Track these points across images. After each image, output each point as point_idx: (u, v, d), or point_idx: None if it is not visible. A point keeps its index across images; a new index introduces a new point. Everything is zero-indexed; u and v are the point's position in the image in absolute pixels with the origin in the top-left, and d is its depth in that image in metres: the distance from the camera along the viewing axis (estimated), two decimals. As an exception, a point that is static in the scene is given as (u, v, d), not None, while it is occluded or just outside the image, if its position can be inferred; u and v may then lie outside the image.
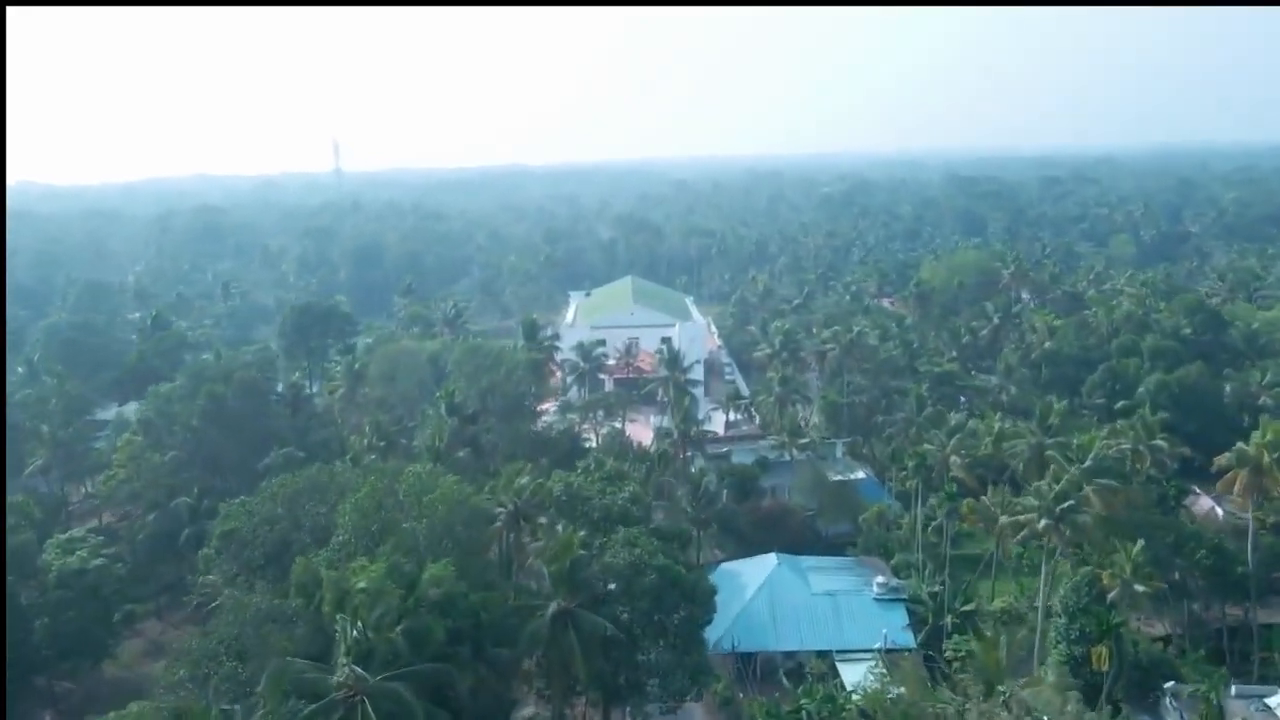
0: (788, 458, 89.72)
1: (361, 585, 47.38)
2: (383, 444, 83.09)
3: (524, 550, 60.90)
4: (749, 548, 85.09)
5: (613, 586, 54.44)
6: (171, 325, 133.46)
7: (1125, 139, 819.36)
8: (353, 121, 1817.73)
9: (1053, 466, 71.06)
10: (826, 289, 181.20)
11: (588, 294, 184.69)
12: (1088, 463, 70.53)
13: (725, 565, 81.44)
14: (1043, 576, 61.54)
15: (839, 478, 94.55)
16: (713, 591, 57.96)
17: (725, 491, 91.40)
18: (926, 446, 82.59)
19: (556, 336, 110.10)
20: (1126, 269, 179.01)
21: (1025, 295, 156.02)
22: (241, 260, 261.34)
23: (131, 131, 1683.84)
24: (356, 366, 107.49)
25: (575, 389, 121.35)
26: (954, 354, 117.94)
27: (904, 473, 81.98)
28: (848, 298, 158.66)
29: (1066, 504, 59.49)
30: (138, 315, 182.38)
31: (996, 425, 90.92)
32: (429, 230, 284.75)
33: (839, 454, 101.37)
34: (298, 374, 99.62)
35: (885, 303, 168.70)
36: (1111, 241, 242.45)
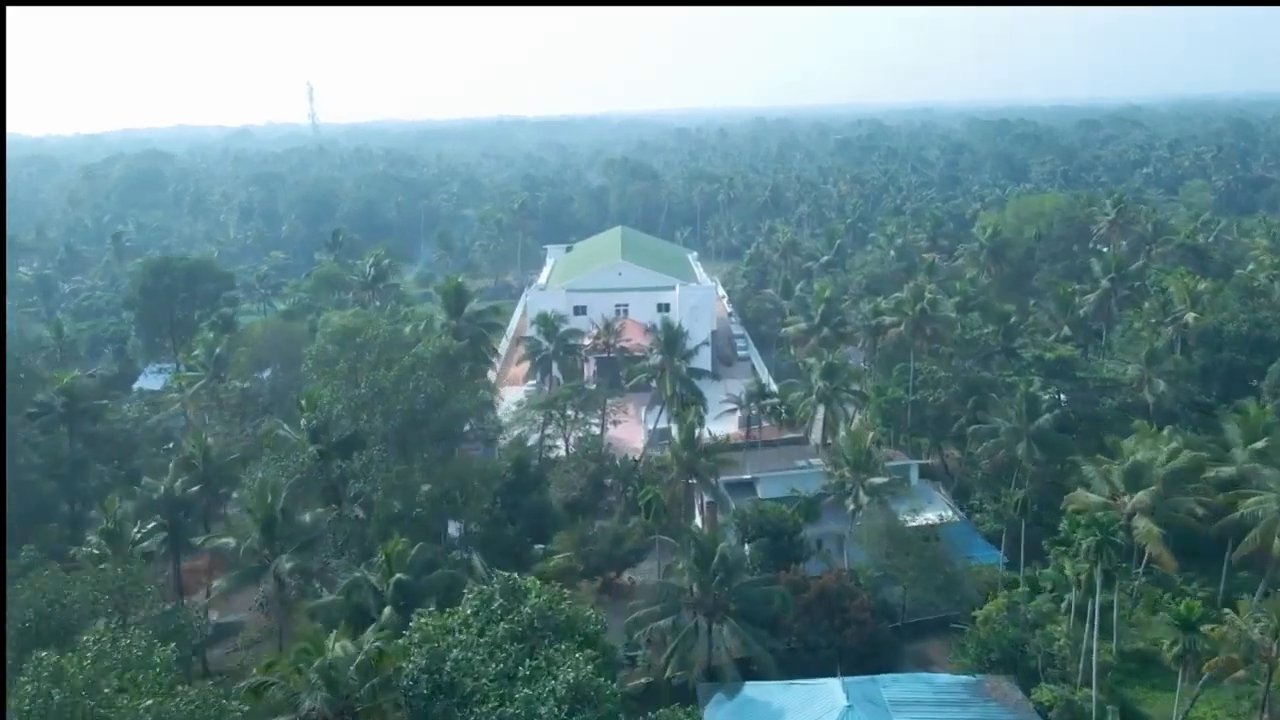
0: (852, 506, 57.20)
1: None
2: (195, 490, 50.85)
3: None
4: (789, 645, 53.68)
5: None
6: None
7: (1133, 91, 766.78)
8: (340, 72, 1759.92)
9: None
10: (861, 242, 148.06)
11: (568, 249, 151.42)
12: None
13: (753, 690, 49.63)
14: None
15: (920, 521, 62.29)
16: None
17: (748, 547, 59.71)
18: (1091, 497, 50.26)
19: (493, 311, 76.81)
20: (1216, 219, 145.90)
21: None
22: (176, 210, 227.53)
23: (113, 83, 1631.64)
24: (218, 352, 75.06)
25: (538, 378, 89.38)
26: (1066, 332, 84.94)
27: (1065, 550, 49.54)
28: (892, 253, 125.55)
29: None
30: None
31: (1165, 448, 58.70)
32: (398, 178, 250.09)
33: (913, 479, 69.13)
34: (88, 369, 67.58)
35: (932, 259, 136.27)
36: (1182, 189, 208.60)
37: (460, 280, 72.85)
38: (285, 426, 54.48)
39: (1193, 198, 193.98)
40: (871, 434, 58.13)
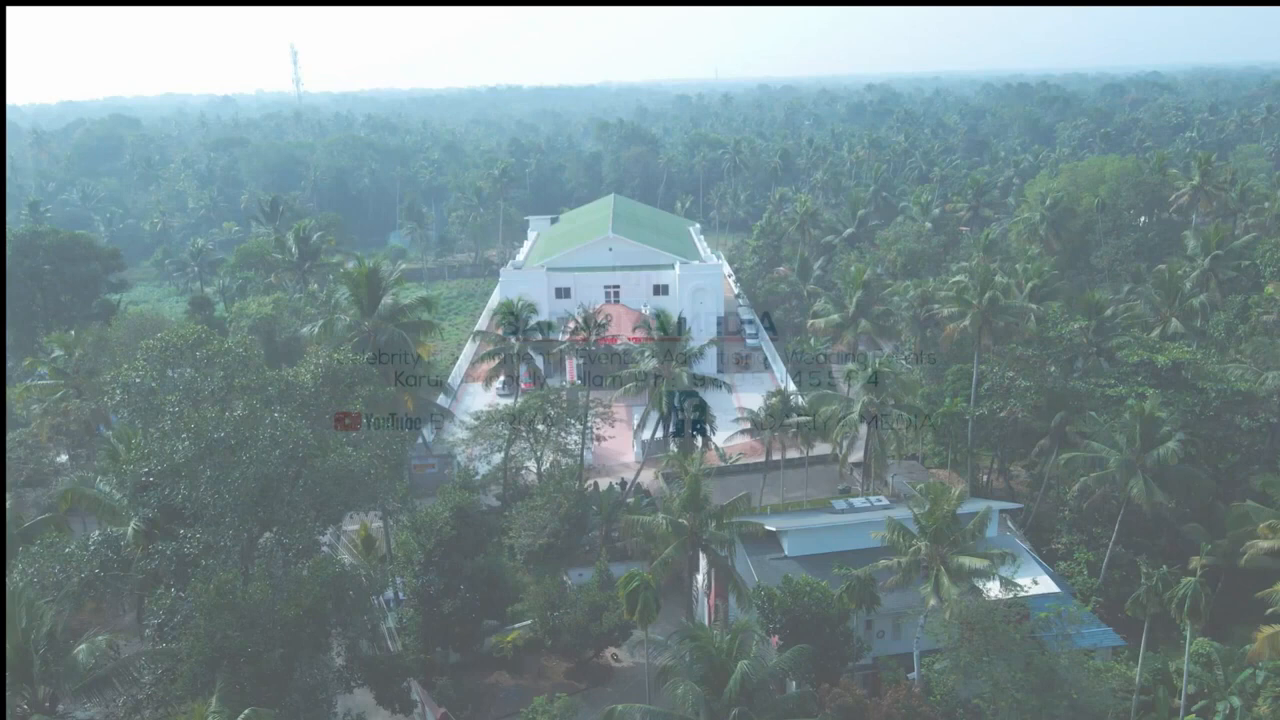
0: (934, 601, 39.42)
1: None
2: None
3: None
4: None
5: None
6: None
7: (1141, 61, 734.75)
8: (336, 43, 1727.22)
9: None
10: (886, 212, 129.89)
11: (553, 220, 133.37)
12: None
13: None
14: None
15: (1010, 593, 44.59)
16: None
17: (775, 638, 42.39)
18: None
19: (422, 305, 58.64)
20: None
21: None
22: (132, 179, 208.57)
23: (105, 52, 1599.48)
24: (78, 354, 57.52)
25: (500, 381, 71.87)
26: (1176, 326, 67.07)
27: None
28: (928, 225, 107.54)
29: None
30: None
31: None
32: (375, 144, 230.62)
33: (993, 529, 51.47)
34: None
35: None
36: (1233, 153, 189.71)
37: (373, 265, 54.91)
38: (103, 481, 37.04)
39: (1247, 163, 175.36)
40: (959, 490, 40.41)
